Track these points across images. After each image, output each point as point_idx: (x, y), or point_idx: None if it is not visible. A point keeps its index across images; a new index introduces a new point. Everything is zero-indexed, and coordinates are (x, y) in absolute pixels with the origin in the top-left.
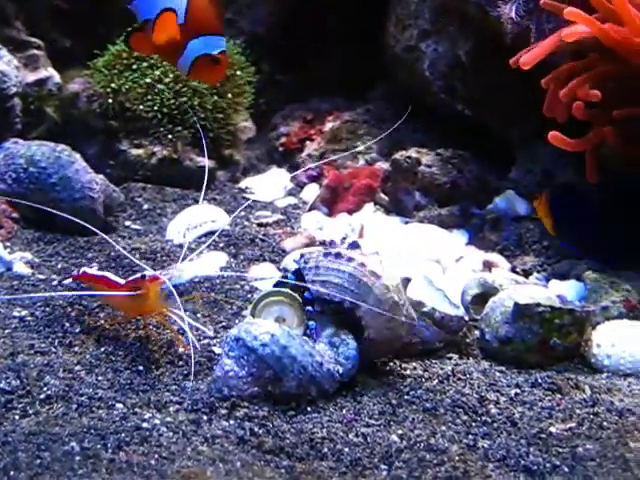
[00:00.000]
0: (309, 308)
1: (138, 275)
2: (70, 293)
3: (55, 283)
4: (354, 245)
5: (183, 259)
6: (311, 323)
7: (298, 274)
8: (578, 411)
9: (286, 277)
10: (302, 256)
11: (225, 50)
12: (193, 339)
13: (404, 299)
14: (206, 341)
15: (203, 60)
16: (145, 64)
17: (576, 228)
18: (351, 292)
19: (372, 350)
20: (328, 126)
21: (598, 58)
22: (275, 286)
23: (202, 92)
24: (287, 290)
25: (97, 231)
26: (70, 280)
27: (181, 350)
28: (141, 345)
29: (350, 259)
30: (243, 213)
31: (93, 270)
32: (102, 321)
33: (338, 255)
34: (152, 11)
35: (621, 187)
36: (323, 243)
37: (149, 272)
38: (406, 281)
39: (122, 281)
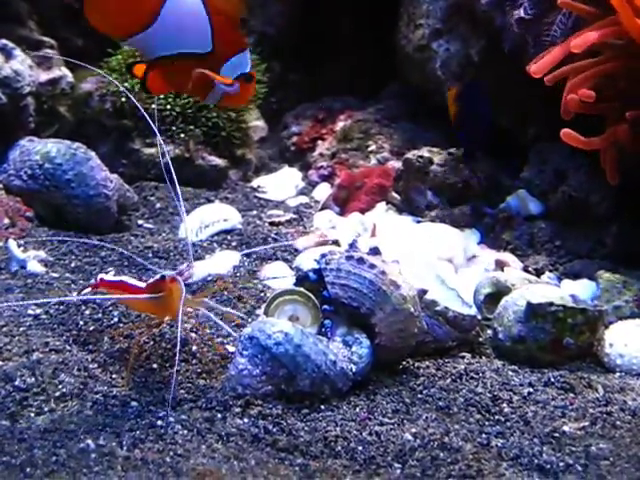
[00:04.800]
0: (326, 307)
1: (158, 276)
2: (93, 297)
3: (73, 285)
4: (375, 251)
5: (196, 258)
6: (327, 321)
7: (318, 274)
8: (591, 410)
9: (306, 275)
10: (323, 256)
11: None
12: (230, 330)
13: (419, 310)
14: (219, 339)
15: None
16: None
17: (472, 122)
18: (369, 299)
19: (381, 356)
20: (339, 125)
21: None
22: (296, 283)
23: None
24: (301, 289)
25: None
26: (89, 290)
27: (194, 348)
28: (155, 343)
29: (372, 266)
30: (255, 212)
31: (109, 276)
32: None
33: (360, 260)
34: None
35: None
36: (335, 242)
37: (168, 273)
38: (422, 292)
39: (142, 284)
